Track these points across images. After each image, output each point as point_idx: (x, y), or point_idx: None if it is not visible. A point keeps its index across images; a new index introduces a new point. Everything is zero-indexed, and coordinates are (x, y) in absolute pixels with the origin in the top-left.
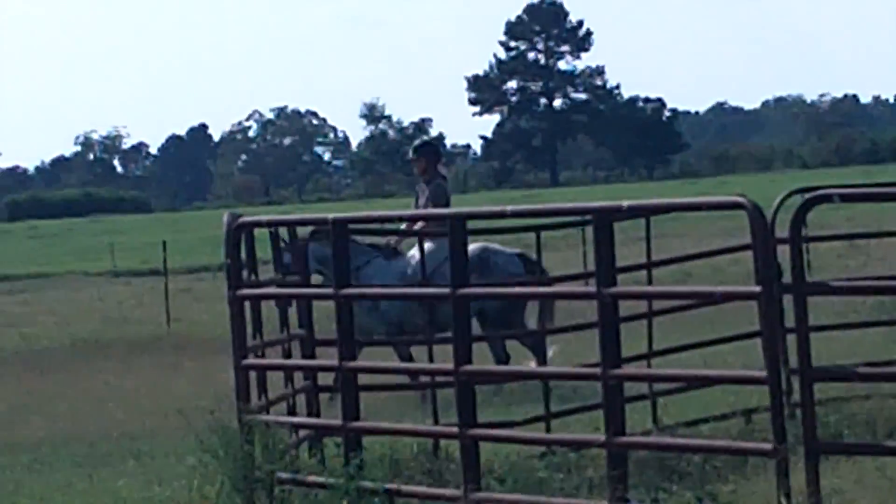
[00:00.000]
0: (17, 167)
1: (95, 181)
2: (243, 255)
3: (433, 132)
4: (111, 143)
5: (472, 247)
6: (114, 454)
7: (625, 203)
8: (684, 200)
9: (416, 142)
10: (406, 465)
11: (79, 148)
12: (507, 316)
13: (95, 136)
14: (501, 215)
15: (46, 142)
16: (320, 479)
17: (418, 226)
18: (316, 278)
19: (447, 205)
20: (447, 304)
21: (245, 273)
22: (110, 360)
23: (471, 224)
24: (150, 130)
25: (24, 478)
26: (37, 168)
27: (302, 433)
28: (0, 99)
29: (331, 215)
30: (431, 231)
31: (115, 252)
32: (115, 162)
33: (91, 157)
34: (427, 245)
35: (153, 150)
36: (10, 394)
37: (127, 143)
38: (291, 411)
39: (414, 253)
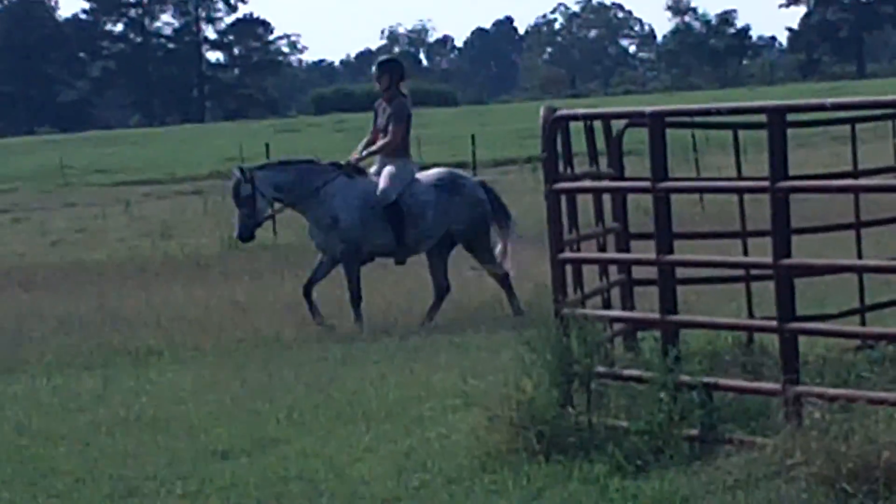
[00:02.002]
0: (323, 61)
1: None
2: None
3: (738, 24)
4: (417, 37)
5: (441, 171)
6: (426, 347)
7: None
8: None
9: (381, 58)
10: (721, 358)
11: (384, 41)
12: (475, 237)
13: (401, 30)
14: (821, 108)
15: (352, 35)
16: (637, 373)
17: (378, 145)
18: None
19: (408, 123)
20: (417, 226)
21: (561, 166)
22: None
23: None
24: (456, 24)
25: (338, 371)
26: (342, 62)
27: (616, 327)
28: None
29: (647, 108)
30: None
31: (422, 145)
32: (421, 55)
33: (397, 50)
34: (388, 168)
35: (458, 44)
36: (328, 289)
37: (433, 37)
38: (606, 305)
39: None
